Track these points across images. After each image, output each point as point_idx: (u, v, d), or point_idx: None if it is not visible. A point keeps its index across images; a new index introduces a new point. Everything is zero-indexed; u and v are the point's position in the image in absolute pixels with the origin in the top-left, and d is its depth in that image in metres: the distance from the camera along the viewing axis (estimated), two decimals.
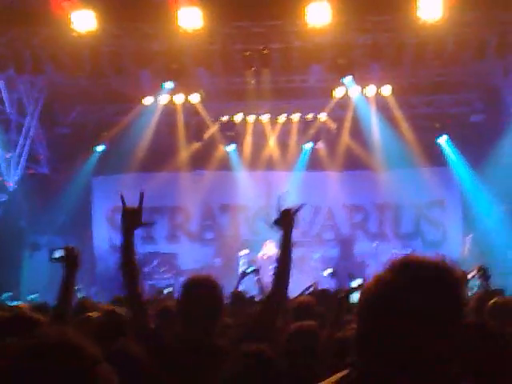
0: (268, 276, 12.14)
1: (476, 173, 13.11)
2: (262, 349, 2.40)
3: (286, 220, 2.90)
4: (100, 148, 13.56)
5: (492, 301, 3.82)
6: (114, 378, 1.30)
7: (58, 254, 3.20)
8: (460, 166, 13.53)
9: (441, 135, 13.47)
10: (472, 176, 13.29)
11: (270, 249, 12.78)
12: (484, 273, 5.11)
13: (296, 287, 6.82)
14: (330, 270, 6.92)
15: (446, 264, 1.43)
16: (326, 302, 5.26)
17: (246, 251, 12.84)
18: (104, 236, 14.08)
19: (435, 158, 13.41)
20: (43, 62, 9.81)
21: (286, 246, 2.97)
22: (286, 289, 3.01)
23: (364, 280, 5.66)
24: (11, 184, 11.95)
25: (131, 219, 2.90)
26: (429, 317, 1.35)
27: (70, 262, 3.19)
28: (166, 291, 8.39)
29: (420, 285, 1.38)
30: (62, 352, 1.24)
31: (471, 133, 13.20)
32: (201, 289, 2.77)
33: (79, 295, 7.67)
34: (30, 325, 2.58)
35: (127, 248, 2.86)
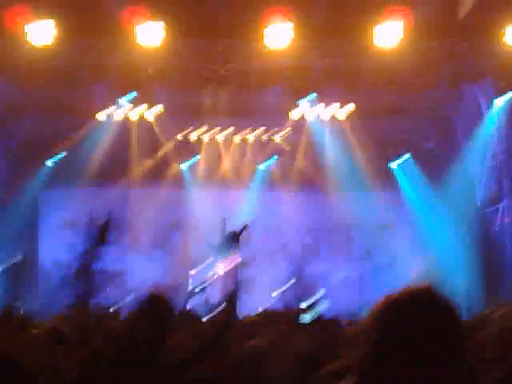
0: (218, 295, 12.03)
1: (426, 198, 13.46)
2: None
3: (231, 242, 2.92)
4: (50, 162, 13.21)
5: None
6: None
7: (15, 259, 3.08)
8: (411, 190, 13.88)
9: (393, 160, 13.80)
10: (423, 201, 13.64)
11: (221, 268, 12.69)
12: None
13: (245, 307, 6.74)
14: (277, 291, 6.88)
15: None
16: (275, 321, 5.23)
17: (195, 271, 12.68)
18: (50, 252, 13.67)
19: (387, 181, 13.68)
20: None
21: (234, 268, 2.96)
22: (235, 309, 2.97)
23: (313, 302, 5.65)
24: None
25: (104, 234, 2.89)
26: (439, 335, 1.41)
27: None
28: (111, 310, 8.14)
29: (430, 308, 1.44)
30: (2, 364, 1.21)
31: (424, 158, 13.51)
32: (153, 304, 2.69)
33: (21, 311, 7.34)
34: None
35: (91, 258, 2.83)
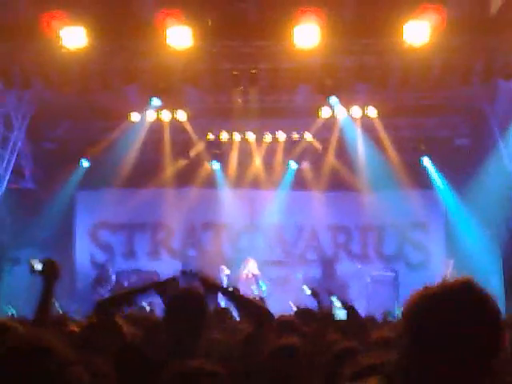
0: (250, 292, 12.17)
1: (460, 196, 13.22)
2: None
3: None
4: (85, 163, 13.51)
5: None
6: (86, 379, 1.33)
7: (37, 266, 3.16)
8: (444, 188, 13.65)
9: (425, 157, 13.59)
10: (456, 199, 13.40)
11: (252, 267, 12.75)
12: None
13: (279, 306, 6.77)
14: (308, 290, 6.87)
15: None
16: (310, 320, 5.23)
17: (227, 270, 12.78)
18: (86, 252, 13.99)
19: (419, 180, 13.50)
20: (31, 78, 9.85)
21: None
22: (270, 312, 3.02)
23: (344, 301, 5.65)
24: None
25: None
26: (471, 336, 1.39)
27: (50, 274, 3.16)
28: (147, 308, 8.29)
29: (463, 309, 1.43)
30: (35, 353, 1.26)
31: (456, 156, 13.32)
32: (187, 301, 2.75)
33: (58, 311, 7.54)
34: (6, 331, 2.55)
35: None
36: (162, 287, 2.82)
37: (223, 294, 3.38)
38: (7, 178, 12.20)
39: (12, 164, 12.25)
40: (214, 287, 3.25)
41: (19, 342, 1.36)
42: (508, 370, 2.12)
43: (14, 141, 12.16)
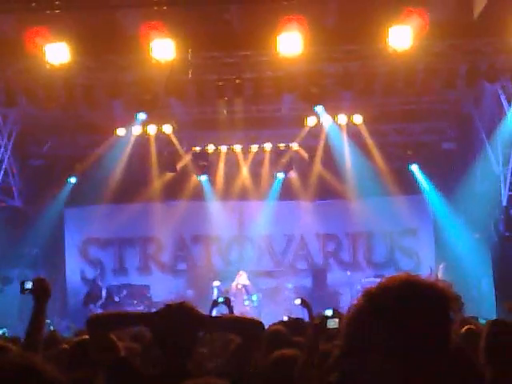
0: (241, 305, 12.05)
1: (448, 200, 13.23)
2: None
3: None
4: (73, 179, 13.44)
5: (465, 327, 3.81)
6: None
7: (28, 285, 3.13)
8: (432, 193, 13.66)
9: (413, 163, 13.65)
10: (444, 204, 13.42)
11: (243, 278, 12.68)
12: (458, 303, 5.06)
13: (270, 317, 6.69)
14: (299, 300, 6.80)
15: (440, 284, 1.48)
16: (301, 330, 5.17)
17: (218, 282, 12.70)
18: (76, 268, 13.90)
19: (407, 185, 13.52)
20: (17, 95, 9.82)
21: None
22: (262, 324, 2.96)
23: (335, 309, 5.60)
24: None
25: (44, 290, 3.07)
26: (415, 323, 1.39)
27: (41, 293, 3.11)
28: None
29: (410, 297, 1.42)
30: (24, 375, 1.22)
31: (443, 160, 13.39)
32: (177, 315, 2.68)
33: (50, 329, 7.41)
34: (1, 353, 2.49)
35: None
36: (153, 321, 2.75)
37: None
38: None
39: None
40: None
41: (8, 363, 1.35)
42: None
43: (0, 159, 12.07)
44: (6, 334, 8.44)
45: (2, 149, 12.13)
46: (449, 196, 13.18)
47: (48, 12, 7.92)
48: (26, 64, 9.07)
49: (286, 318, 6.92)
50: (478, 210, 12.20)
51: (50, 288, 3.16)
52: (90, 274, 13.77)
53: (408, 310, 1.39)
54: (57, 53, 8.52)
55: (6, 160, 12.26)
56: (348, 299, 13.08)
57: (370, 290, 1.47)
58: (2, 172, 12.25)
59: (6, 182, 12.57)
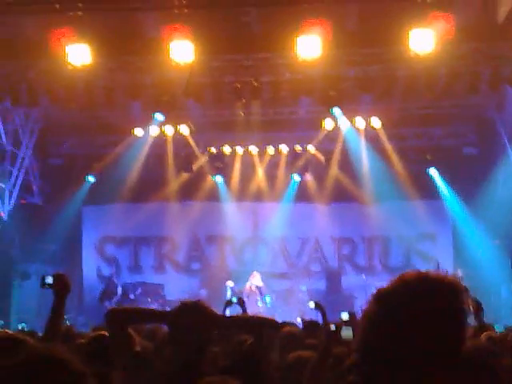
0: (255, 306, 12.06)
1: (468, 206, 13.02)
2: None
3: None
4: (91, 178, 13.59)
5: (484, 334, 3.78)
6: None
7: (49, 280, 3.17)
8: (452, 198, 13.47)
9: (432, 167, 13.46)
10: (464, 209, 13.22)
11: (257, 279, 12.69)
12: (476, 306, 5.05)
13: (283, 319, 6.70)
14: (313, 303, 6.82)
15: (448, 278, 1.47)
16: (315, 333, 5.18)
17: (231, 283, 12.74)
18: (92, 265, 14.06)
19: (426, 190, 13.35)
20: (38, 95, 9.98)
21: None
22: (277, 323, 2.98)
23: (351, 312, 5.58)
24: (3, 214, 11.94)
25: (64, 285, 3.11)
26: (428, 322, 1.38)
27: (60, 288, 3.16)
28: None
29: (421, 293, 1.42)
30: (49, 365, 1.25)
31: (463, 165, 13.16)
32: (192, 314, 2.72)
33: (66, 324, 7.51)
34: (18, 344, 2.54)
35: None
36: (169, 319, 2.79)
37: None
38: (16, 193, 12.31)
39: (20, 180, 12.37)
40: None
41: (33, 354, 1.37)
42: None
43: (21, 157, 12.35)
44: (25, 329, 8.59)
45: (24, 147, 12.36)
46: (469, 201, 12.96)
47: (71, 14, 8.03)
48: (48, 65, 9.21)
49: (299, 320, 6.94)
50: (499, 216, 12.01)
51: (69, 283, 3.21)
52: (106, 271, 13.91)
53: (419, 308, 1.38)
54: (78, 54, 8.63)
55: (27, 158, 12.50)
56: (362, 303, 12.96)
57: (379, 292, 1.48)
58: (23, 170, 12.49)
59: (27, 179, 12.79)
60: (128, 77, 10.00)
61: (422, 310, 1.39)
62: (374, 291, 1.49)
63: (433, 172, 13.53)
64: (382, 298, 1.46)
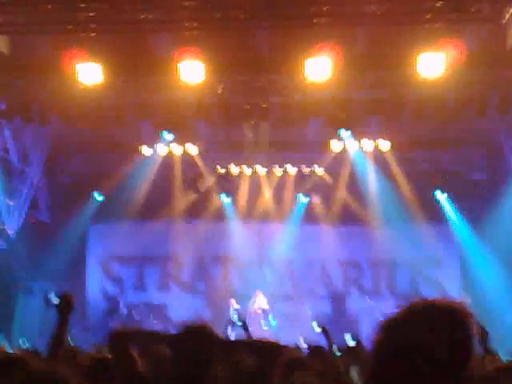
0: (259, 329, 11.91)
1: (475, 231, 12.93)
2: None
3: None
4: (99, 197, 13.62)
5: (489, 360, 3.71)
6: None
7: (52, 299, 3.17)
8: (459, 223, 13.39)
9: (440, 192, 13.42)
10: (471, 235, 13.12)
11: (261, 300, 12.58)
12: (482, 333, 4.97)
13: (288, 342, 6.62)
14: (319, 329, 6.74)
15: (456, 305, 1.48)
16: (320, 357, 5.10)
17: (236, 304, 12.63)
18: (97, 284, 14.01)
19: (433, 214, 13.24)
20: (49, 113, 10.04)
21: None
22: (281, 347, 2.95)
23: (355, 335, 5.51)
24: (11, 231, 11.96)
25: (68, 306, 3.13)
26: (435, 353, 1.37)
27: (64, 307, 3.14)
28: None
29: (428, 322, 1.42)
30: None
31: (471, 190, 13.09)
32: (196, 337, 2.68)
33: (69, 343, 7.46)
34: (21, 365, 2.51)
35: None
36: (173, 342, 2.76)
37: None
38: (24, 211, 12.36)
39: (29, 198, 12.43)
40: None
41: (34, 375, 1.34)
42: None
43: (30, 175, 12.37)
44: (26, 343, 8.53)
45: (33, 165, 12.43)
46: (476, 226, 12.87)
47: (83, 34, 8.14)
48: (60, 84, 9.31)
49: (302, 340, 6.85)
50: (506, 242, 11.90)
51: (73, 303, 3.21)
52: (111, 290, 13.86)
53: (427, 337, 1.37)
54: (89, 73, 8.73)
55: (36, 176, 12.56)
56: (368, 327, 12.85)
57: (387, 321, 1.46)
58: (32, 187, 12.53)
59: (35, 197, 12.84)
60: (138, 96, 10.09)
61: (430, 339, 1.38)
62: (381, 319, 1.47)
63: (440, 196, 13.47)
64: (389, 328, 1.44)
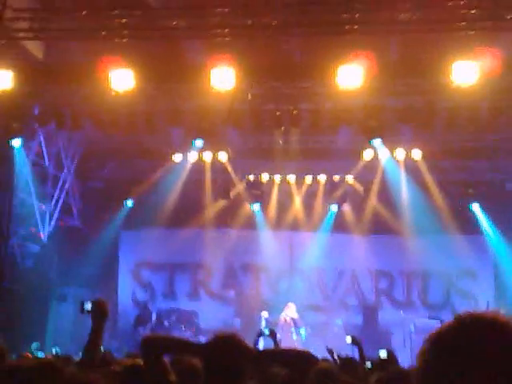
0: (289, 339, 11.75)
1: (510, 243, 12.66)
2: None
3: None
4: (129, 203, 13.73)
5: None
6: None
7: (88, 306, 3.14)
8: (494, 235, 13.10)
9: (474, 202, 13.15)
10: (506, 246, 12.83)
11: (292, 311, 12.44)
12: None
13: (317, 353, 6.49)
14: (349, 338, 6.62)
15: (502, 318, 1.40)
16: (350, 370, 4.98)
17: (266, 313, 12.51)
18: (128, 290, 14.09)
19: (467, 225, 13.02)
20: (82, 119, 10.18)
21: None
22: (313, 357, 2.85)
23: (390, 350, 5.38)
24: (43, 235, 12.14)
25: (103, 312, 3.12)
26: (486, 364, 1.30)
27: (99, 314, 3.12)
28: None
29: (477, 335, 1.35)
30: None
31: (506, 201, 12.84)
32: (228, 348, 2.61)
33: (101, 349, 7.49)
34: (56, 373, 2.49)
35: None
36: (204, 352, 2.71)
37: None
38: (56, 216, 12.52)
39: (61, 202, 12.60)
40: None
41: (68, 381, 1.29)
42: None
43: (63, 180, 12.56)
44: (59, 353, 8.56)
45: (66, 170, 12.63)
46: (511, 238, 12.57)
47: (116, 40, 8.22)
48: (92, 90, 9.43)
49: (329, 350, 6.72)
50: None
51: (108, 310, 3.18)
52: (141, 296, 13.93)
53: (477, 350, 1.30)
54: (122, 80, 8.79)
55: (68, 181, 12.75)
56: (400, 339, 12.58)
57: (434, 336, 1.38)
58: (64, 193, 12.72)
59: (67, 202, 13.02)
60: (169, 103, 10.13)
61: (480, 352, 1.30)
62: (428, 336, 1.39)
63: (474, 206, 13.17)
64: (437, 342, 1.35)
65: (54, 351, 9.53)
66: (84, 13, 7.93)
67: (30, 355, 5.34)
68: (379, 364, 4.96)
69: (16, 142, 10.67)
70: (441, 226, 12.86)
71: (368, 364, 5.31)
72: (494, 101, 9.34)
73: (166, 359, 2.83)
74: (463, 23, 7.97)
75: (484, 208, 13.13)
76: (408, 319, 12.90)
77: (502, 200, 12.88)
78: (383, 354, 5.11)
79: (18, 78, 8.83)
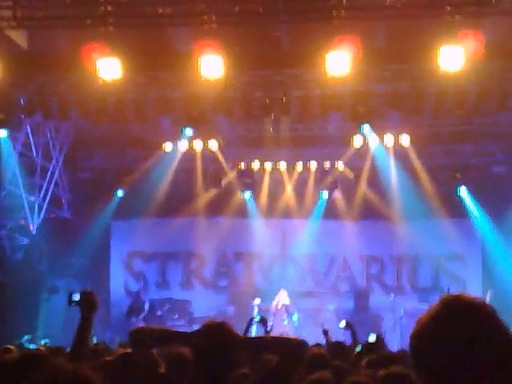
0: (281, 325, 11.89)
1: (497, 226, 12.79)
2: None
3: None
4: (120, 193, 13.68)
5: None
6: None
7: (76, 297, 3.18)
8: (481, 218, 13.24)
9: (461, 186, 13.27)
10: (493, 229, 12.97)
11: (284, 297, 12.53)
12: None
13: (310, 338, 6.58)
14: (344, 322, 6.72)
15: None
16: (341, 354, 5.05)
17: (258, 300, 12.60)
18: (120, 280, 14.10)
19: (455, 209, 13.15)
20: (69, 109, 10.09)
21: None
22: (304, 344, 2.89)
23: (379, 335, 5.47)
24: (32, 227, 12.07)
25: (91, 303, 3.12)
26: (469, 343, 1.38)
27: (88, 305, 3.17)
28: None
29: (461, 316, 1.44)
30: None
31: (493, 184, 12.96)
32: (217, 336, 2.64)
33: (93, 340, 7.52)
34: (45, 363, 2.51)
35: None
36: (193, 341, 2.74)
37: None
38: (45, 207, 12.43)
39: (50, 193, 12.50)
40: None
41: (58, 373, 1.37)
42: None
43: (51, 170, 12.45)
44: (48, 344, 8.57)
45: (54, 161, 12.52)
46: (498, 221, 12.71)
47: (102, 29, 8.15)
48: (79, 79, 9.36)
49: (324, 330, 6.82)
50: None
51: (96, 301, 3.19)
52: (134, 286, 13.95)
53: (456, 335, 1.39)
54: (109, 68, 8.71)
55: (56, 172, 12.64)
56: (390, 324, 12.74)
57: (423, 320, 1.48)
58: (53, 184, 12.62)
59: (56, 193, 12.93)
60: (158, 91, 10.09)
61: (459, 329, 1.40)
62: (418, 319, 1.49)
63: (462, 190, 13.29)
64: (428, 324, 1.46)
65: (43, 343, 9.54)
66: (68, 1, 7.84)
67: (12, 348, 5.33)
68: (368, 348, 5.05)
69: (1, 133, 10.58)
70: (429, 210, 12.97)
71: (358, 348, 5.40)
72: (480, 85, 9.41)
73: (156, 349, 2.85)
74: (448, 8, 7.98)
75: (471, 192, 13.25)
76: (398, 303, 13.06)
77: (489, 183, 13.02)
78: (372, 338, 5.20)
79: (3, 68, 8.69)
